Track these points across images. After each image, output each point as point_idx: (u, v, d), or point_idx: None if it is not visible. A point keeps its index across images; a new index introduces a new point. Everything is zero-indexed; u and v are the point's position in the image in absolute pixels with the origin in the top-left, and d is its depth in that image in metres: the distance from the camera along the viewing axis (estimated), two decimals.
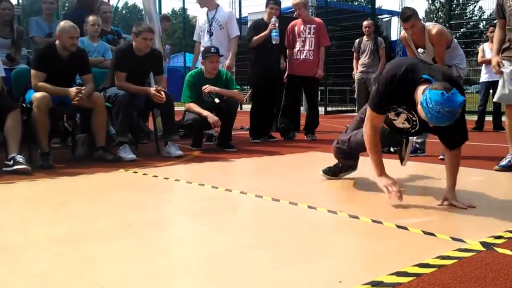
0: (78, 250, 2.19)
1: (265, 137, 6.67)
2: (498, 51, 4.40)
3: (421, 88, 2.68)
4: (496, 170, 4.31)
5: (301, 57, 6.68)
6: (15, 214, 2.92)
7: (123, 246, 2.26)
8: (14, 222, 2.72)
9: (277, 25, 6.38)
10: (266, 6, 6.80)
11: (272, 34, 6.36)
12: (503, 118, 4.82)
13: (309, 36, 6.67)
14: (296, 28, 6.73)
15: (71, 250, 2.19)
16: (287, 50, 6.85)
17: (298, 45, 6.71)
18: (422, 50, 4.94)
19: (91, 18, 5.88)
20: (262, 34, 6.45)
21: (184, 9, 17.08)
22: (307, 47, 6.65)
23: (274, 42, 6.38)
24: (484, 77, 8.55)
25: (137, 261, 2.06)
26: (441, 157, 4.92)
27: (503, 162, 4.36)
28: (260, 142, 6.43)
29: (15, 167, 4.01)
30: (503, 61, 4.34)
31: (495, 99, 4.55)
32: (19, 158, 4.06)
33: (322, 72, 6.82)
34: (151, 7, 6.68)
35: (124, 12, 20.45)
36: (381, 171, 3.04)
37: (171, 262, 2.07)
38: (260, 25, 6.63)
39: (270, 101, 6.75)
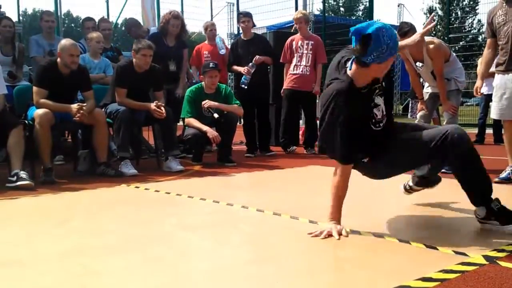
0: (83, 264, 2.20)
1: (263, 152, 6.67)
2: (483, 73, 4.50)
3: (353, 65, 2.61)
4: (496, 183, 4.32)
5: (298, 72, 6.73)
6: (20, 229, 2.93)
7: (126, 260, 2.27)
8: (18, 237, 2.74)
9: (252, 71, 6.40)
10: (238, 21, 6.90)
11: (242, 78, 6.44)
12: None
13: (306, 52, 6.72)
14: (294, 43, 6.79)
15: (75, 264, 2.21)
16: (285, 65, 6.90)
17: (295, 60, 6.77)
18: (421, 64, 4.98)
19: (95, 35, 5.92)
20: (239, 70, 6.55)
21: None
22: (303, 63, 6.70)
23: (241, 85, 6.47)
24: (483, 90, 8.55)
25: (141, 275, 2.08)
26: (442, 170, 4.93)
27: (503, 175, 4.38)
28: (254, 156, 6.44)
29: (19, 183, 4.04)
30: (496, 75, 4.42)
31: (494, 116, 4.54)
32: (22, 174, 4.09)
33: (319, 88, 6.85)
34: (150, 24, 6.75)
35: (123, 28, 20.60)
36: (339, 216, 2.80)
37: (174, 276, 2.08)
38: (236, 46, 6.75)
39: (258, 114, 6.72)
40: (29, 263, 2.24)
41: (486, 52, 4.57)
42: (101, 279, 2.03)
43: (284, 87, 6.87)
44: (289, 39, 6.92)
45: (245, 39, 6.68)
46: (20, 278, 2.05)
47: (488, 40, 4.52)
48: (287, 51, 6.84)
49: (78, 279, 2.03)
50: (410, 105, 8.81)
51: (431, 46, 4.82)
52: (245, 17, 6.69)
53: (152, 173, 4.97)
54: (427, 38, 4.99)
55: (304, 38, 6.77)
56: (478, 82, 4.56)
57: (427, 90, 5.25)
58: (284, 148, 6.94)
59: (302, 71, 6.71)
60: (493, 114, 4.51)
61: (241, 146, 7.32)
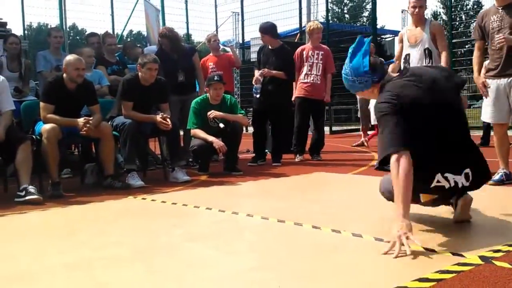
0: (92, 276, 2.27)
1: (274, 161, 6.67)
2: (479, 72, 4.53)
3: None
4: (489, 185, 4.34)
5: (309, 81, 6.83)
6: (29, 243, 3.00)
7: (134, 271, 2.34)
8: (28, 251, 2.80)
9: (261, 80, 6.53)
10: None
11: (253, 87, 6.56)
12: (509, 133, 4.88)
13: (316, 61, 6.84)
14: (304, 53, 6.90)
15: (85, 276, 2.28)
16: (295, 74, 6.97)
17: (305, 69, 6.86)
18: (415, 41, 5.15)
19: (86, 49, 6.10)
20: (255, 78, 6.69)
21: (188, 35, 17.29)
22: (314, 72, 6.82)
23: (254, 94, 6.62)
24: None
25: (148, 285, 2.14)
26: None
27: (496, 177, 4.41)
28: (256, 165, 6.48)
29: (27, 197, 4.11)
30: (487, 80, 4.46)
31: (489, 120, 4.60)
32: (31, 188, 4.16)
33: (329, 97, 7.00)
34: (155, 36, 6.83)
35: (129, 39, 20.85)
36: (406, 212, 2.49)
37: (180, 286, 2.14)
38: (261, 51, 6.87)
39: (271, 122, 6.75)
40: (41, 276, 2.32)
41: (477, 54, 4.56)
42: None
43: (295, 95, 6.96)
44: (300, 48, 7.05)
45: (270, 48, 6.76)
46: None
47: (478, 42, 4.55)
48: (297, 59, 6.93)
49: None
50: None
51: (437, 22, 4.94)
52: (259, 32, 6.82)
53: (159, 184, 5.04)
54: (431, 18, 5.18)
55: (314, 48, 6.90)
56: (480, 78, 4.51)
57: None
58: (296, 156, 6.96)
59: (313, 79, 6.82)
60: (485, 117, 4.58)
61: (247, 155, 7.37)
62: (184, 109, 6.27)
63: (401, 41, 5.39)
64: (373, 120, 8.68)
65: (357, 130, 11.60)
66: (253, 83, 6.56)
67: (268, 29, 6.71)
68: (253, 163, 6.51)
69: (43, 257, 2.65)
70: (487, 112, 4.52)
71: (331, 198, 4.15)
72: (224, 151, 5.56)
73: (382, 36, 19.30)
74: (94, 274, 2.30)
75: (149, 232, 3.12)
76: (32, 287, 2.18)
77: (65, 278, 2.27)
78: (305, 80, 6.85)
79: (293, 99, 6.98)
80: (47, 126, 4.57)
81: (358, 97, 8.92)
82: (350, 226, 2.98)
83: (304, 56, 6.88)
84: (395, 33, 20.34)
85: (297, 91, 6.92)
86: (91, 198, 4.32)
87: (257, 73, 6.66)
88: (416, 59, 5.20)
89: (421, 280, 2.01)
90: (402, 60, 5.33)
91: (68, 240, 2.99)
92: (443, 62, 5.12)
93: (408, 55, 5.27)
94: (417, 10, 5.13)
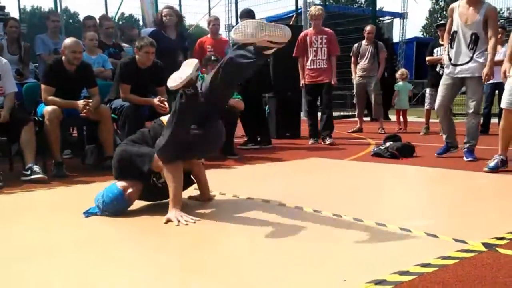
0: (104, 251, 2.38)
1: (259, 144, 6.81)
2: (510, 57, 4.44)
3: None
4: (485, 172, 4.36)
5: (315, 67, 6.96)
6: (39, 219, 3.09)
7: (140, 246, 2.45)
8: (39, 226, 2.90)
9: None
10: None
11: None
12: None
13: (320, 46, 6.97)
14: (308, 38, 6.99)
15: (98, 250, 2.39)
16: (299, 59, 7.11)
17: (310, 55, 6.97)
18: (465, 22, 4.94)
19: (89, 33, 6.12)
20: None
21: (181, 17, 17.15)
22: (319, 57, 6.97)
23: None
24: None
25: (156, 260, 2.23)
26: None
27: (491, 164, 4.42)
28: (246, 149, 6.59)
29: (33, 176, 4.23)
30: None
31: (503, 105, 4.44)
32: (36, 168, 4.27)
33: (335, 79, 7.11)
34: (150, 18, 6.80)
35: (120, 22, 20.52)
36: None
37: (185, 262, 2.24)
38: None
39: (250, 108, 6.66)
40: (52, 250, 2.41)
41: None
42: (122, 262, 2.20)
43: (305, 82, 7.15)
44: (302, 33, 7.17)
45: None
46: (47, 264, 2.21)
47: None
48: (301, 45, 7.05)
49: (104, 263, 2.20)
50: (426, 95, 8.70)
51: (492, 6, 4.85)
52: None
53: None
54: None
55: (317, 33, 7.01)
56: (506, 64, 4.47)
57: (451, 71, 5.13)
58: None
59: (319, 65, 7.00)
60: (504, 103, 4.41)
61: (243, 139, 7.40)
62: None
63: (451, 14, 5.12)
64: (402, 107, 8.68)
65: (353, 116, 11.57)
66: None
67: (240, 15, 6.86)
68: (243, 147, 6.60)
69: (54, 232, 2.74)
70: (504, 97, 4.41)
71: (329, 183, 4.19)
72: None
73: (380, 19, 19.11)
74: (104, 249, 2.40)
75: (153, 212, 3.15)
76: (44, 261, 2.24)
77: (76, 252, 2.36)
78: (312, 67, 7.00)
79: (301, 85, 7.23)
80: (49, 108, 4.61)
81: (354, 82, 8.92)
82: (350, 211, 3.01)
83: (308, 41, 6.99)
84: (394, 15, 20.05)
85: (306, 78, 7.11)
86: (94, 178, 4.40)
87: None
88: (461, 41, 5.00)
89: (423, 265, 2.05)
90: (449, 37, 5.16)
91: (77, 217, 3.05)
92: (490, 47, 4.89)
93: (456, 33, 5.04)
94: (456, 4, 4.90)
